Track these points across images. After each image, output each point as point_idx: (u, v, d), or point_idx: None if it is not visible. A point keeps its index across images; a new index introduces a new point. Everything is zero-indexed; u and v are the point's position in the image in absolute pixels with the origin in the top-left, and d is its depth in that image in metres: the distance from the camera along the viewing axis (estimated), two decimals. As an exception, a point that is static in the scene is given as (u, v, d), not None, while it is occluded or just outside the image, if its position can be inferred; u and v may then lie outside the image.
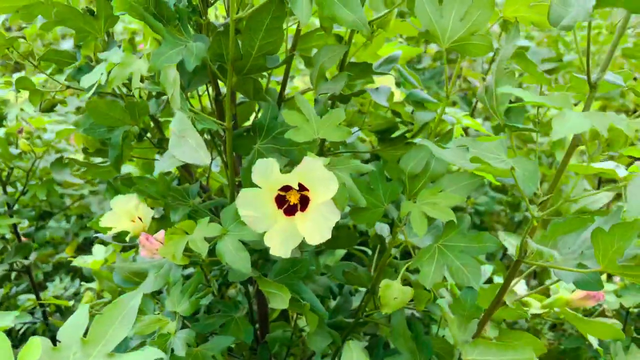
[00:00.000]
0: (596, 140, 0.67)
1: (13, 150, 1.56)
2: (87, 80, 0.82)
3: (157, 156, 1.17)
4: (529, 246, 0.75)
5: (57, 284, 1.71)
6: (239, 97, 1.06)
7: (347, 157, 0.79)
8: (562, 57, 2.17)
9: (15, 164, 1.56)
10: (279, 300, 0.80)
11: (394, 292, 0.80)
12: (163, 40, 0.78)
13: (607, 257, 0.67)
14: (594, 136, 0.67)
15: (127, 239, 0.94)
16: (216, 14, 1.31)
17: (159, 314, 0.94)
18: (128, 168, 1.51)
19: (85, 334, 0.57)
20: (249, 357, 1.09)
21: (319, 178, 0.71)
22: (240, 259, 0.76)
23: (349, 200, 0.75)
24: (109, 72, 0.80)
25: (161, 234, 0.89)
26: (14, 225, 1.59)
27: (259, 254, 0.96)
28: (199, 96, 1.14)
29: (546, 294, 1.05)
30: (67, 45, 1.82)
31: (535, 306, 1.06)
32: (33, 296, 1.62)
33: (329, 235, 0.72)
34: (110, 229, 0.94)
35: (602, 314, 1.34)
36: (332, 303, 1.15)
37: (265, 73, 1.02)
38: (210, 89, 0.98)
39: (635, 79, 0.82)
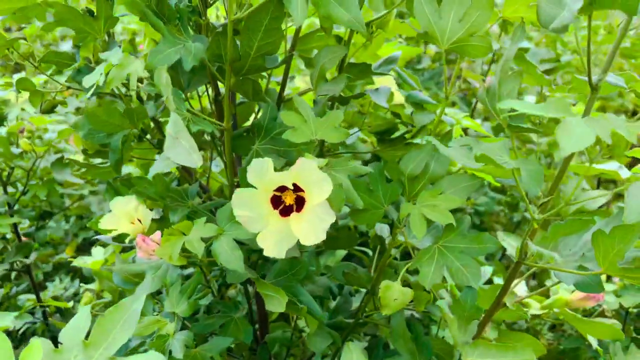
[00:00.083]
0: (597, 146, 0.66)
1: (14, 149, 1.56)
2: (88, 81, 0.82)
3: (156, 157, 1.16)
4: (529, 248, 0.75)
5: (57, 284, 1.72)
6: (239, 97, 1.06)
7: (345, 158, 0.78)
8: (560, 57, 2.17)
9: (16, 163, 1.56)
10: (275, 303, 0.80)
11: (394, 293, 0.80)
12: (162, 39, 0.78)
13: (607, 259, 0.67)
14: (595, 142, 0.66)
15: (127, 240, 0.94)
16: (217, 15, 1.31)
17: (158, 314, 0.94)
18: (128, 168, 1.51)
19: (87, 337, 0.57)
20: (248, 358, 1.09)
21: (313, 179, 0.71)
22: (235, 258, 0.76)
23: (348, 201, 0.75)
24: (107, 73, 0.80)
25: (157, 235, 0.89)
26: (15, 225, 1.59)
27: (259, 254, 0.96)
28: (199, 97, 1.14)
29: (546, 295, 1.05)
30: (67, 46, 1.82)
31: (535, 307, 1.06)
32: (33, 296, 1.62)
33: (323, 236, 0.72)
34: (109, 230, 0.94)
35: (602, 314, 1.34)
36: (332, 303, 1.15)
37: (264, 74, 1.02)
38: (209, 90, 0.98)
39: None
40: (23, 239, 1.64)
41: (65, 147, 1.75)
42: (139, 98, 1.06)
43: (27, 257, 1.49)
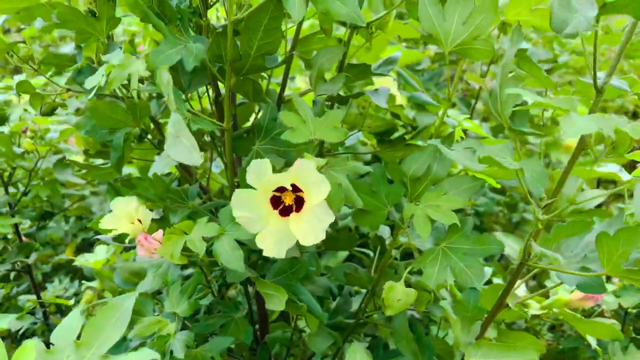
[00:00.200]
0: (601, 144, 0.67)
1: (16, 149, 1.56)
2: (90, 82, 0.82)
3: (156, 157, 1.16)
4: (532, 249, 0.75)
5: (57, 284, 1.71)
6: (240, 97, 1.06)
7: (345, 158, 0.79)
8: (557, 58, 2.17)
9: (18, 163, 1.56)
10: (276, 302, 0.80)
11: (397, 294, 0.80)
12: (163, 39, 0.78)
13: (611, 261, 0.68)
14: (599, 139, 0.67)
15: (127, 240, 0.94)
16: (217, 16, 1.31)
17: (158, 315, 0.94)
18: (128, 170, 1.51)
19: (79, 337, 0.57)
20: (248, 358, 1.09)
21: (311, 180, 0.71)
22: (236, 258, 0.76)
23: (347, 201, 0.75)
24: (109, 74, 0.80)
25: (159, 233, 0.89)
26: (16, 225, 1.59)
27: (259, 254, 0.96)
28: (199, 97, 1.14)
29: (546, 295, 1.05)
30: (67, 48, 1.82)
31: (535, 307, 1.06)
32: (34, 296, 1.61)
33: (323, 236, 0.72)
34: (110, 231, 0.94)
35: (601, 314, 1.34)
36: (332, 304, 1.15)
37: (265, 74, 1.02)
38: (210, 91, 0.98)
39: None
40: (24, 239, 1.63)
41: (67, 147, 1.75)
42: (139, 99, 1.06)
43: (28, 257, 1.49)
